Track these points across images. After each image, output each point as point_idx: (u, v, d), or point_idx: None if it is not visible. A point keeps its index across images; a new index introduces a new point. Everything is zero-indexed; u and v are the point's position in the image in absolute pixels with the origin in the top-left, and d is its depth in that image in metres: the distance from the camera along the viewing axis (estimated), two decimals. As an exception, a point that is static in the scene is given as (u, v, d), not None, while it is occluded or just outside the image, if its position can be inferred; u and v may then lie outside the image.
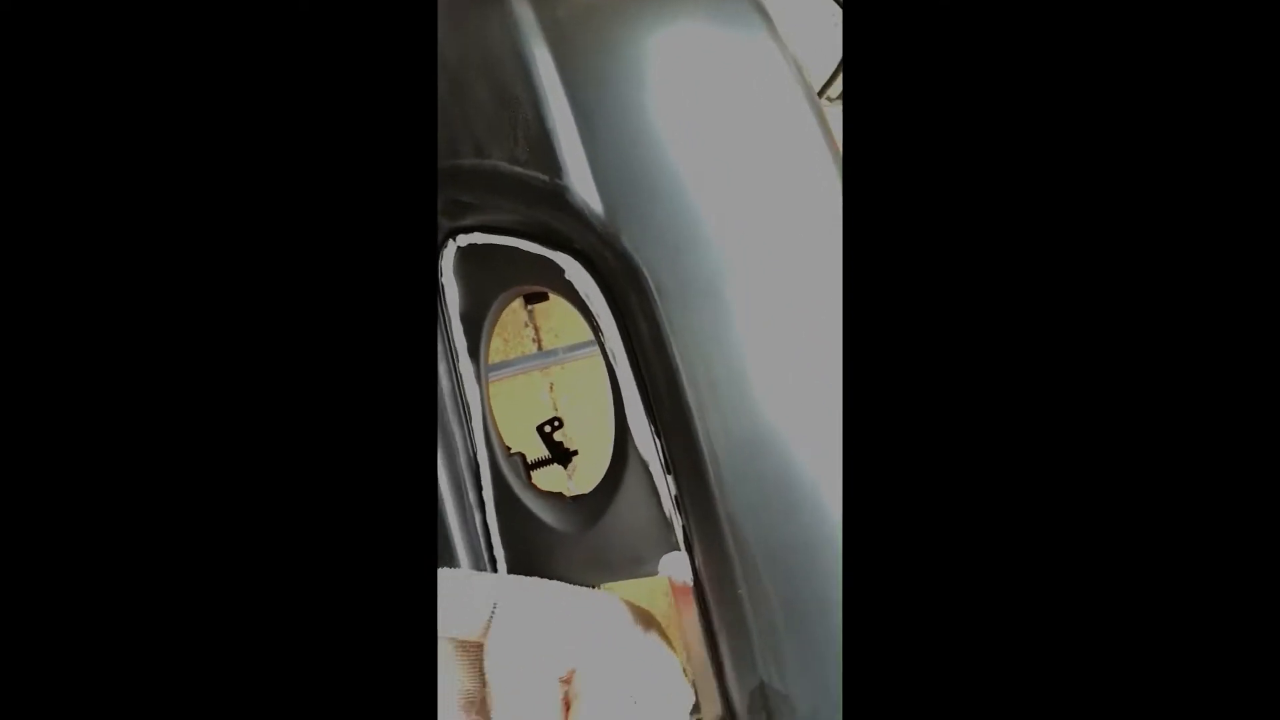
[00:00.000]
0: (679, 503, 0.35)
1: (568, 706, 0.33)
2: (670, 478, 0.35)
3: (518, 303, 1.31)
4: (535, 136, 0.37)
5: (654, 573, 0.36)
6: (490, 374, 1.30)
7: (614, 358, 0.37)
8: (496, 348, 1.26)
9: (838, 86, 0.89)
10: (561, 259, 0.38)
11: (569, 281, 0.37)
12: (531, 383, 1.30)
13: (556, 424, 0.46)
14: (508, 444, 0.43)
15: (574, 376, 1.29)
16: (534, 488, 0.41)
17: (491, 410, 0.43)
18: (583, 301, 0.38)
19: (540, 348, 1.26)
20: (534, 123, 0.37)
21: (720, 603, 0.34)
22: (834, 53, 0.85)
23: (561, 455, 0.45)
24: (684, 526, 0.35)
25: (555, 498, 0.40)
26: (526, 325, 1.28)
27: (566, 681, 0.34)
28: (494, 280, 0.41)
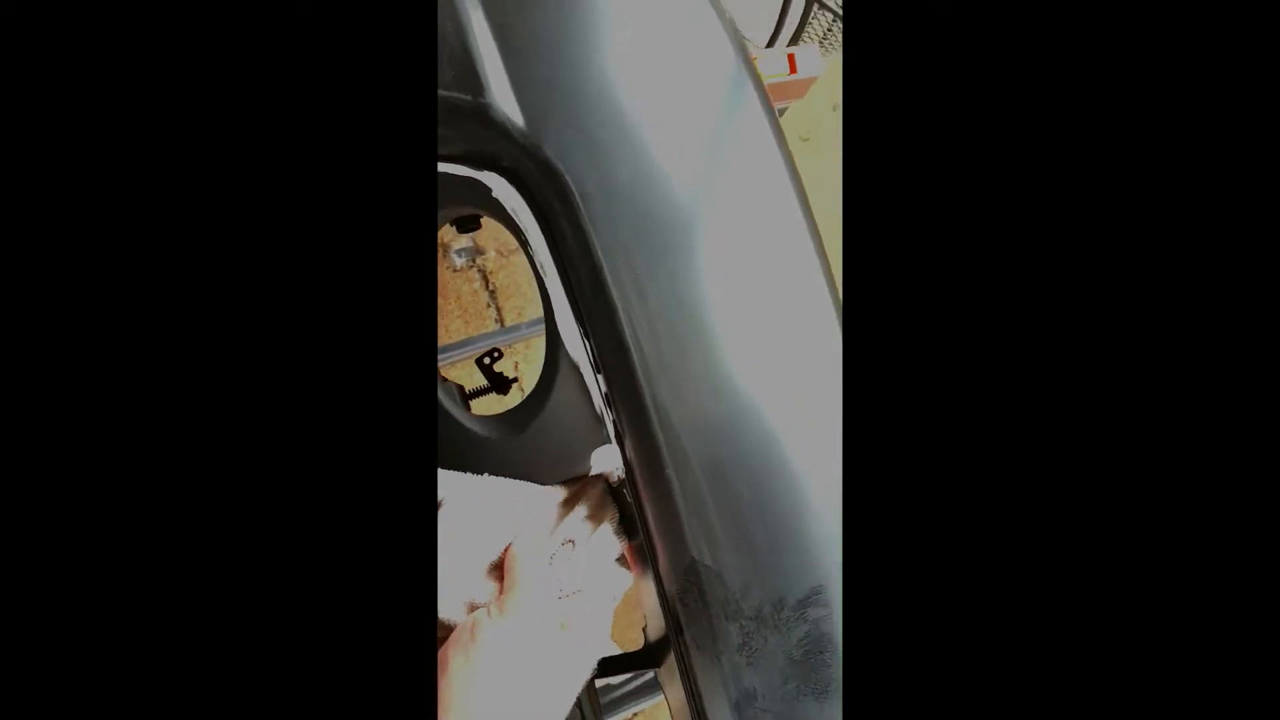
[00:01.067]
0: (609, 399, 0.36)
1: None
2: (600, 376, 0.37)
3: (479, 283, 1.31)
4: (460, 62, 0.38)
5: (588, 470, 0.38)
6: (452, 354, 1.30)
7: (543, 269, 0.38)
8: (457, 328, 1.27)
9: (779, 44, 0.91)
10: (488, 178, 0.39)
11: (497, 200, 0.39)
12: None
13: (496, 355, 0.47)
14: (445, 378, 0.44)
15: (539, 353, 1.30)
16: (469, 413, 0.42)
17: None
18: (510, 218, 0.39)
19: (502, 325, 1.27)
20: (459, 50, 0.38)
21: (650, 488, 0.35)
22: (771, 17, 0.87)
23: (500, 383, 0.46)
24: (614, 421, 0.36)
25: (489, 416, 0.41)
26: (489, 305, 1.29)
27: (499, 564, 0.35)
28: (427, 206, 0.42)
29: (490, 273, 1.29)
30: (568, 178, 0.36)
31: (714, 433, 0.34)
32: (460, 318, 1.28)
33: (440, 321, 1.29)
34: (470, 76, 0.37)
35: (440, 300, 1.28)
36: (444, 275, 1.27)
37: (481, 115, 0.37)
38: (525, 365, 1.28)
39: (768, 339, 0.35)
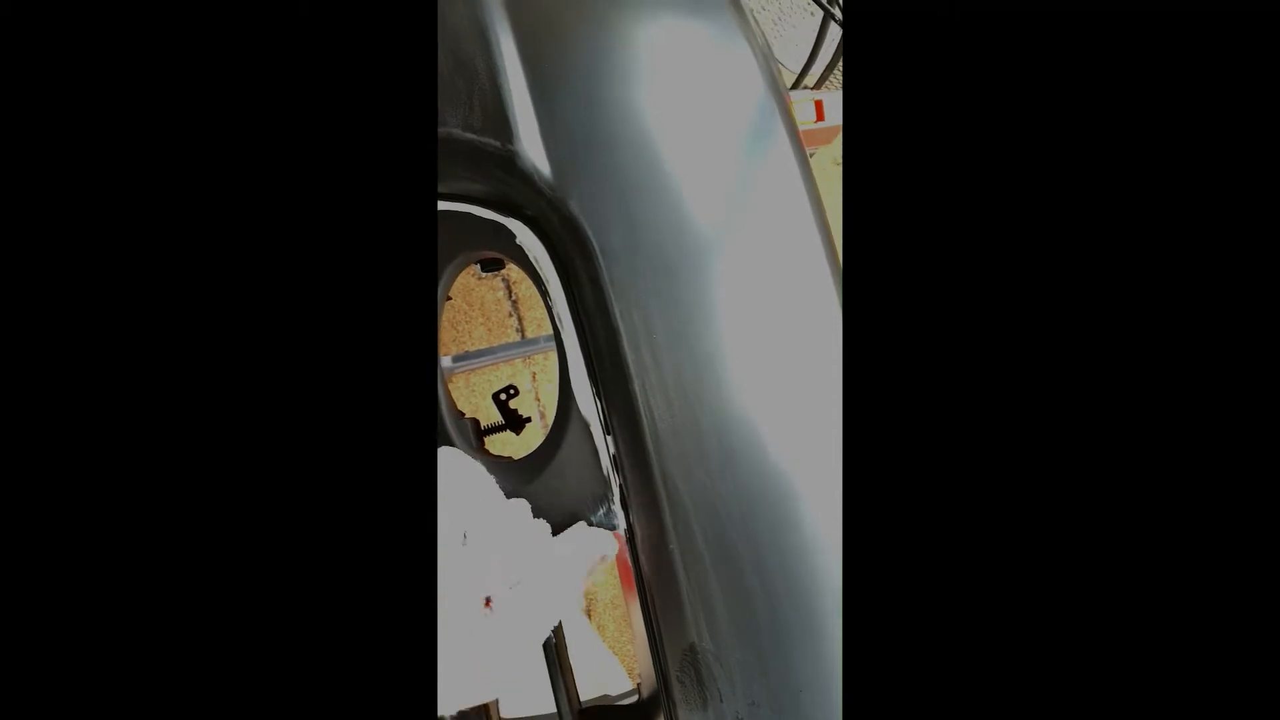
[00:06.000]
0: (616, 462, 0.36)
1: None
2: (609, 438, 0.36)
3: (502, 292, 1.32)
4: (490, 104, 0.37)
5: (590, 529, 0.37)
6: (472, 362, 1.30)
7: (560, 321, 0.38)
8: (479, 335, 1.27)
9: (812, 76, 0.90)
10: (512, 224, 0.38)
11: (520, 246, 0.38)
12: (515, 372, 1.31)
13: (512, 391, 0.46)
14: (460, 410, 0.43)
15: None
16: (483, 451, 0.42)
17: (444, 375, 0.43)
18: (532, 266, 0.38)
19: (524, 336, 1.27)
20: (490, 91, 0.37)
21: (653, 561, 0.34)
22: (807, 45, 0.86)
23: (515, 422, 0.46)
24: (620, 485, 0.36)
25: (499, 458, 0.41)
26: (510, 315, 1.29)
27: None
28: (448, 246, 0.42)
29: (513, 283, 1.29)
30: (590, 233, 0.35)
31: (722, 512, 0.33)
32: (484, 325, 1.29)
33: (464, 329, 1.29)
34: (500, 122, 0.37)
35: (465, 307, 1.29)
36: (469, 283, 1.27)
37: (509, 163, 0.37)
38: (543, 379, 1.28)
39: (786, 419, 0.34)
